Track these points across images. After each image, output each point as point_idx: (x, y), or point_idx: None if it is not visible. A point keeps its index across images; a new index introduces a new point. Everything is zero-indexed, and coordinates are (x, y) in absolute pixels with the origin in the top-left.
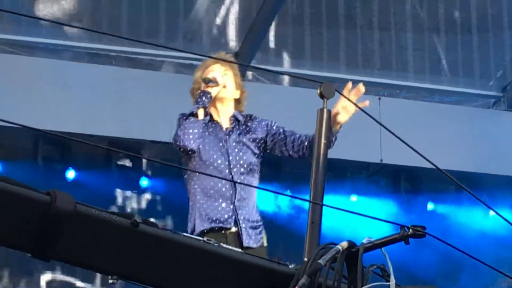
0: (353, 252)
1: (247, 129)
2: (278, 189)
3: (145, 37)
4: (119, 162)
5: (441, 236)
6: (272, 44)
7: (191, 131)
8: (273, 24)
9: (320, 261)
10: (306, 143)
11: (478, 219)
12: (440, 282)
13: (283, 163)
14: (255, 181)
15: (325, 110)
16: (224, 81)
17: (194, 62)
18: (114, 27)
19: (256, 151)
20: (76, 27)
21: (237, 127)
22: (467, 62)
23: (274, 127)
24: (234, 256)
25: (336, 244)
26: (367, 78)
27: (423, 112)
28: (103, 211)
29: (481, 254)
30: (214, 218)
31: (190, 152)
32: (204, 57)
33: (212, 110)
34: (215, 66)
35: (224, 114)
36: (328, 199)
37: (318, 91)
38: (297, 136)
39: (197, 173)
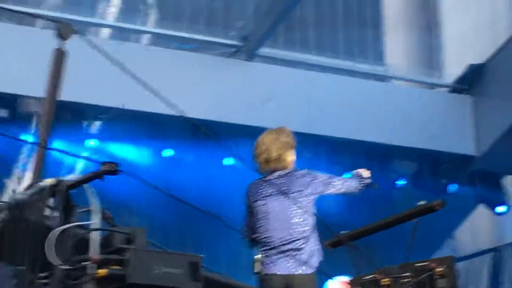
0: (60, 188)
1: None
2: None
3: None
4: None
5: (173, 180)
6: None
7: None
8: None
9: (22, 196)
10: None
11: (212, 166)
12: None
13: None
14: None
15: (61, 50)
16: None
17: None
18: None
19: None
20: None
21: None
22: (210, 10)
23: None
24: None
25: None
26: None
27: (163, 58)
28: None
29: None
30: None
31: None
32: None
33: None
34: None
35: None
36: (60, 144)
37: (56, 31)
38: None
39: None
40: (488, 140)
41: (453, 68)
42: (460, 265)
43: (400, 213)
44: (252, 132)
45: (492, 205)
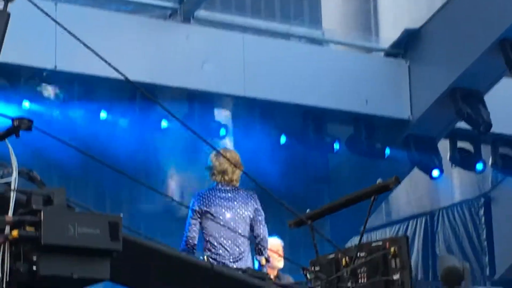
0: None
1: None
2: None
3: None
4: None
5: (108, 142)
6: None
7: None
8: None
9: None
10: None
11: (148, 129)
12: None
13: None
14: None
15: (5, 12)
16: None
17: None
18: None
19: None
20: None
21: None
22: None
23: None
24: None
25: None
26: None
27: (99, 20)
28: None
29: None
30: None
31: None
32: None
33: None
34: None
35: None
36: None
37: None
38: None
39: None
40: (423, 104)
41: (389, 32)
42: (395, 229)
43: (357, 192)
44: (188, 95)
45: (427, 169)
